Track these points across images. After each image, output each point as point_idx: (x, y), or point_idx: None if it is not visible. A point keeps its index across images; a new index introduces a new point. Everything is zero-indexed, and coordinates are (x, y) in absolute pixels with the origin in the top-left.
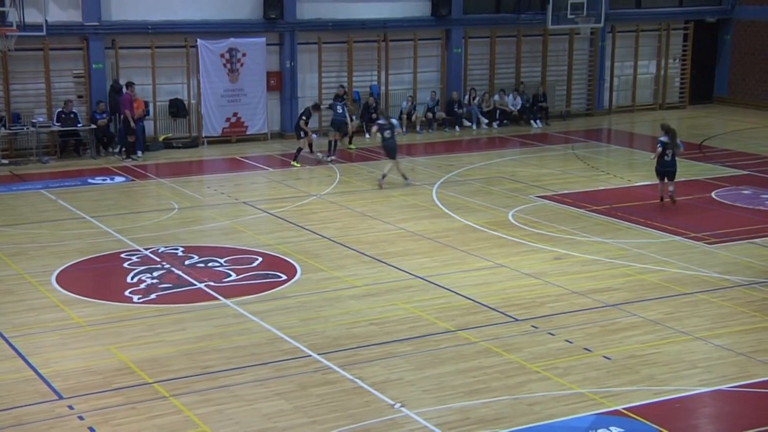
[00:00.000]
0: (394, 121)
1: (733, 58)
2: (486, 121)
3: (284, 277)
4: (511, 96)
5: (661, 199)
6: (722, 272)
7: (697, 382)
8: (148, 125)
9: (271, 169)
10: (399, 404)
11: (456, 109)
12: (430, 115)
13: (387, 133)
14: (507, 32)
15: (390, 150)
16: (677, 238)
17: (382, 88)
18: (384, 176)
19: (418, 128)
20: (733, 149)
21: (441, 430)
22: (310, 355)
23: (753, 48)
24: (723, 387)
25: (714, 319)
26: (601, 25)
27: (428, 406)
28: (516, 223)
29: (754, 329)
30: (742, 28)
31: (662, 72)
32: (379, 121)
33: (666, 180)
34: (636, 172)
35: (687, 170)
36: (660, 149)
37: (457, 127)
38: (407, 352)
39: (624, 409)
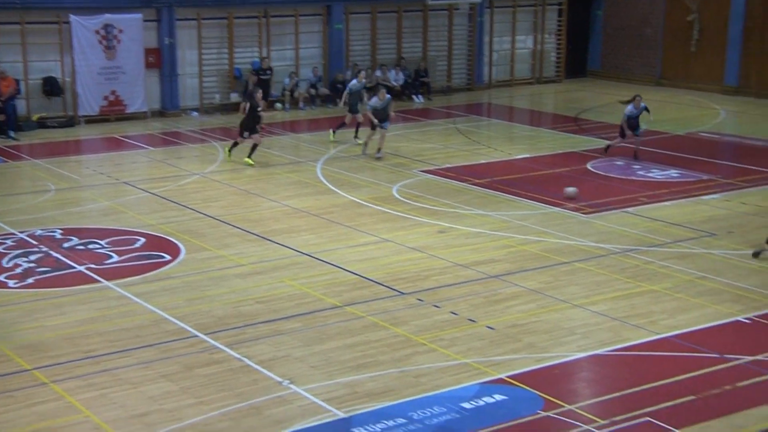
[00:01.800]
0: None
1: (604, 33)
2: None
3: (168, 257)
4: (393, 71)
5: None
6: (598, 241)
7: (576, 348)
8: (21, 104)
9: (152, 148)
10: (287, 381)
11: (338, 86)
12: (312, 91)
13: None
14: (387, 8)
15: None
16: (556, 209)
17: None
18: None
19: (301, 104)
20: (606, 122)
21: (329, 405)
22: (197, 336)
23: (623, 23)
24: (599, 351)
25: (590, 287)
26: (479, 0)
27: (316, 381)
28: (400, 197)
29: (627, 295)
30: (613, 4)
31: (539, 47)
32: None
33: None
34: (516, 146)
35: (563, 142)
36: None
37: (340, 103)
38: (295, 329)
39: (507, 377)
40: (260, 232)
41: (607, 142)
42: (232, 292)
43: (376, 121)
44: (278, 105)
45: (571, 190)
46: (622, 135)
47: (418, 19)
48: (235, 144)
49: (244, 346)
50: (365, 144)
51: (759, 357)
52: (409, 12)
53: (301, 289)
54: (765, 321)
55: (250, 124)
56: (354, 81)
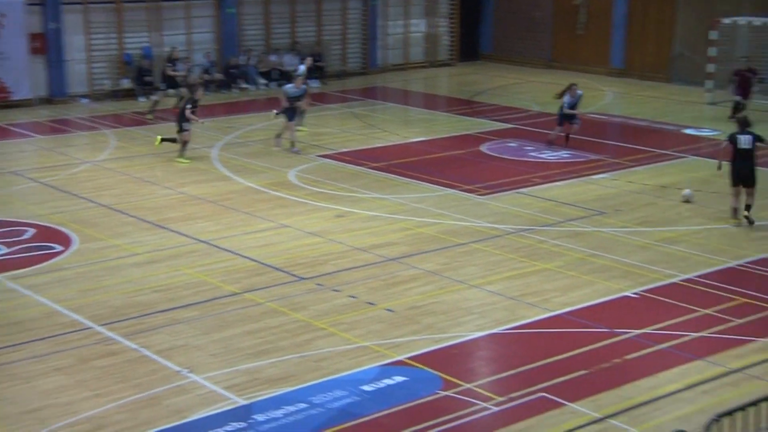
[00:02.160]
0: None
1: (496, 17)
2: (264, 81)
3: (60, 248)
4: (288, 56)
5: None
6: (493, 222)
7: (473, 328)
8: None
9: (40, 136)
10: (186, 370)
11: (232, 70)
12: (206, 76)
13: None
14: None
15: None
16: (451, 191)
17: (155, 50)
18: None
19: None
20: (499, 104)
21: (229, 393)
22: (91, 327)
23: (513, 7)
24: (496, 330)
25: (486, 267)
26: None
27: (216, 369)
28: (298, 183)
29: (522, 274)
30: None
31: (432, 30)
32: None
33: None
34: (411, 129)
35: (457, 125)
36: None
37: (234, 89)
38: (193, 318)
39: (407, 358)
40: (155, 221)
41: (550, 136)
42: (127, 282)
43: (286, 104)
44: (170, 91)
45: (687, 192)
46: (560, 124)
47: (312, 3)
48: (175, 141)
49: (141, 337)
50: (278, 136)
51: (646, 330)
52: None
53: (199, 277)
54: (651, 295)
55: (182, 120)
56: (302, 67)
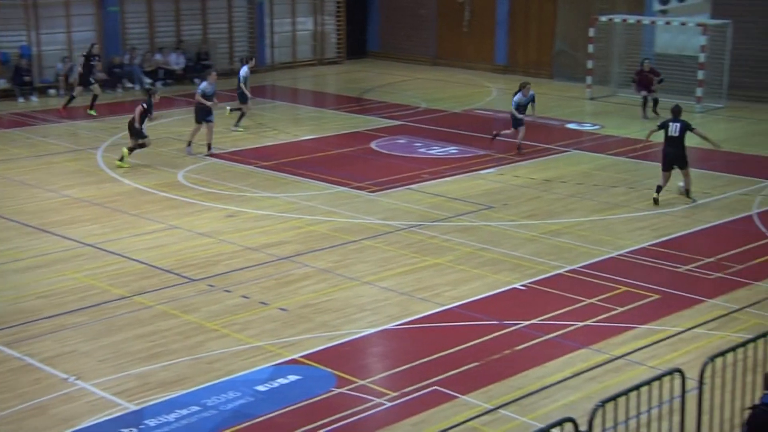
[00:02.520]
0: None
1: (382, 15)
2: (149, 80)
3: None
4: (173, 54)
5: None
6: (384, 218)
7: (366, 324)
8: None
9: None
10: (73, 377)
11: (116, 70)
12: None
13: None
14: None
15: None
16: (342, 188)
17: (34, 49)
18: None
19: (75, 91)
20: (388, 101)
21: (119, 399)
22: None
23: (399, 4)
24: (388, 326)
25: (379, 264)
26: None
27: (105, 375)
28: (187, 183)
29: (413, 270)
30: None
31: (319, 28)
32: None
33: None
34: (301, 127)
35: (347, 122)
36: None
37: (119, 88)
38: (80, 323)
39: (300, 357)
40: (38, 224)
41: (495, 132)
42: (10, 288)
43: (209, 103)
44: (51, 91)
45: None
46: (515, 126)
47: (197, 1)
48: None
49: (25, 345)
50: (189, 143)
51: (534, 321)
52: None
53: (86, 282)
54: (538, 287)
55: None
56: (245, 68)
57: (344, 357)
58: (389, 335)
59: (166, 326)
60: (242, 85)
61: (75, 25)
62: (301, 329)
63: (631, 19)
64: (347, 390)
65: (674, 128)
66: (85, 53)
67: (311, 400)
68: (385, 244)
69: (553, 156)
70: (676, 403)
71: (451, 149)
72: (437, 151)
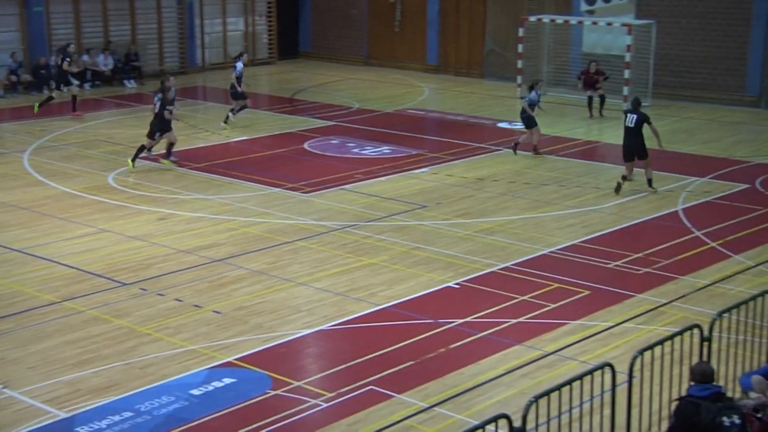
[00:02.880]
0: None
1: (313, 15)
2: (77, 82)
3: None
4: (101, 55)
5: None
6: (318, 219)
7: (301, 325)
8: None
9: None
10: (1, 385)
11: (42, 71)
12: (13, 77)
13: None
14: None
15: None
16: (276, 189)
17: None
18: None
19: (1, 92)
20: (320, 101)
21: (49, 407)
22: None
23: (330, 4)
24: (324, 327)
25: (313, 264)
26: None
27: (35, 383)
28: (117, 186)
29: (348, 270)
30: None
31: (250, 29)
32: None
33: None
34: (233, 128)
35: (280, 123)
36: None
37: (45, 90)
38: (8, 330)
39: (235, 359)
40: None
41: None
42: None
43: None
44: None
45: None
46: (529, 127)
47: (124, 1)
48: (141, 150)
49: None
50: (149, 149)
51: (468, 319)
52: None
53: (13, 287)
54: (472, 285)
55: (162, 123)
56: (239, 64)
57: (280, 359)
58: (325, 336)
59: (98, 331)
60: (235, 82)
61: None
62: (235, 332)
63: (559, 19)
64: (283, 392)
65: (630, 119)
66: (61, 53)
67: (247, 403)
68: (320, 244)
69: (485, 155)
70: (607, 396)
71: (384, 149)
72: (370, 151)
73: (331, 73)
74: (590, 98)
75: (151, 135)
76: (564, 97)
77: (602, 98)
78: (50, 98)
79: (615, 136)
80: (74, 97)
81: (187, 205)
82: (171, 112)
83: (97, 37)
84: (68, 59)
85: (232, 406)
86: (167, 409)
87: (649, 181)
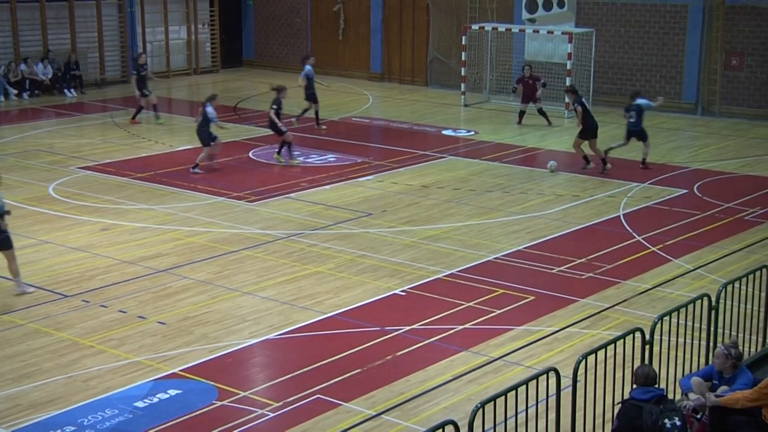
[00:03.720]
0: (208, 109)
1: (256, 23)
2: (15, 91)
3: None
4: (40, 64)
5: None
6: (264, 227)
7: (248, 335)
8: None
9: None
10: None
11: None
12: None
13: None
14: None
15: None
16: (221, 198)
17: None
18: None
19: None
20: (265, 110)
21: None
22: None
23: (273, 13)
24: (270, 336)
25: (259, 273)
26: None
27: None
28: (58, 196)
29: (294, 278)
30: None
31: (193, 37)
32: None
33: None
34: (177, 137)
35: (225, 132)
36: None
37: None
38: None
39: (180, 370)
40: None
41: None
42: None
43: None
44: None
45: (552, 164)
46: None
47: (64, 9)
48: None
49: None
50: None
51: (415, 326)
52: (52, 2)
53: None
54: (418, 292)
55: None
56: (308, 66)
57: (226, 369)
58: (271, 345)
59: (38, 345)
60: (313, 83)
61: None
62: (180, 342)
63: (501, 27)
64: (229, 402)
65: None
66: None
67: (192, 414)
68: (265, 253)
69: (430, 162)
70: (552, 400)
71: (330, 157)
72: (315, 159)
73: (275, 81)
74: (522, 112)
75: (277, 131)
76: (507, 105)
77: (541, 111)
78: (140, 108)
79: (557, 143)
80: (140, 108)
81: (130, 215)
82: (279, 115)
83: (36, 46)
84: (139, 71)
85: (177, 417)
86: (111, 423)
87: (604, 162)
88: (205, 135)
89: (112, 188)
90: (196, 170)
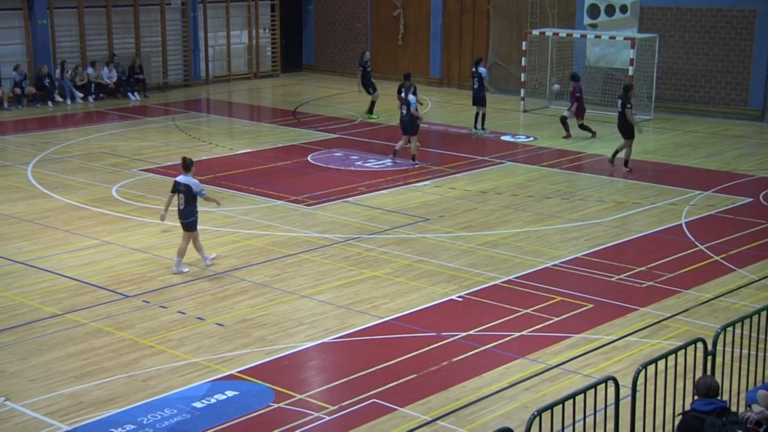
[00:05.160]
0: (411, 97)
1: (316, 28)
2: (81, 95)
3: None
4: (105, 68)
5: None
6: (321, 231)
7: (304, 338)
8: None
9: None
10: (2, 398)
11: (47, 84)
12: (18, 90)
13: (403, 109)
14: (95, 2)
15: (406, 125)
16: (279, 202)
17: None
18: (395, 152)
19: (5, 105)
20: (324, 114)
21: (51, 419)
22: None
23: (333, 18)
24: (326, 340)
25: (316, 277)
26: None
27: (36, 395)
28: (120, 198)
29: (351, 282)
30: (323, 0)
31: (254, 42)
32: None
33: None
34: (237, 141)
35: (283, 136)
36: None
37: (49, 103)
38: (9, 342)
39: (238, 372)
40: None
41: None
42: None
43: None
44: None
45: (556, 87)
46: None
47: (129, 14)
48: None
49: None
50: (395, 152)
51: (471, 332)
52: (118, 7)
53: (16, 300)
54: (475, 298)
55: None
56: (483, 67)
57: (282, 371)
58: (327, 349)
59: (100, 344)
60: (487, 84)
61: (2, 38)
62: (238, 344)
63: (563, 32)
64: (285, 405)
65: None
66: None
67: (249, 416)
68: (323, 257)
69: (489, 168)
70: (611, 410)
71: (387, 162)
72: (373, 164)
73: (335, 86)
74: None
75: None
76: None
77: (583, 126)
78: (372, 103)
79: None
80: (373, 103)
81: None
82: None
83: (102, 50)
84: (366, 67)
85: (234, 419)
86: (170, 422)
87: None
88: (413, 124)
89: None
90: (415, 162)
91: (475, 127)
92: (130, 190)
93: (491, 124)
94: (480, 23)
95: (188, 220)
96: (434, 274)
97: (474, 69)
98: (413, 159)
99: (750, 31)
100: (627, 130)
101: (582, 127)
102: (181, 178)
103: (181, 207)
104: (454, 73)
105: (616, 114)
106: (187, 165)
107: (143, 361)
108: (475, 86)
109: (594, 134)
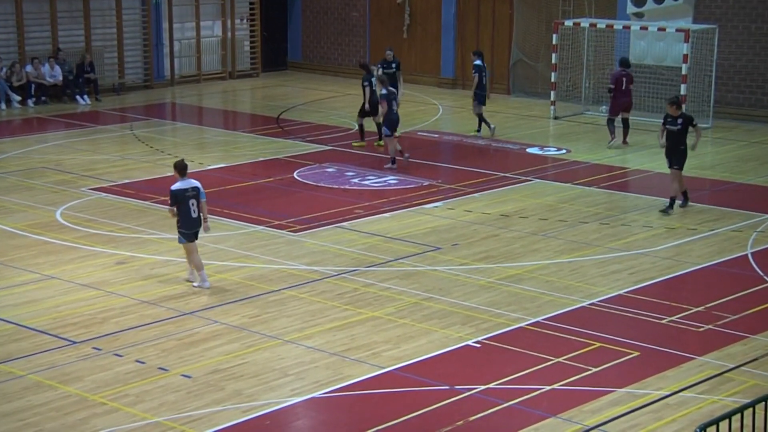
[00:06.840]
0: (390, 88)
1: (304, 18)
2: (18, 98)
3: None
4: (47, 65)
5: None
6: (310, 263)
7: (289, 392)
8: None
9: None
10: None
11: None
12: None
13: (394, 105)
14: None
15: (396, 123)
16: (259, 227)
17: None
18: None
19: None
20: (313, 122)
21: None
22: None
23: (325, 6)
24: (316, 394)
25: (304, 318)
26: None
27: None
28: (66, 223)
29: (346, 324)
30: None
31: (229, 34)
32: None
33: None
34: (208, 154)
35: (265, 147)
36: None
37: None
38: None
39: None
40: None
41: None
42: None
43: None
44: None
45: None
46: None
47: (78, 2)
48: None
49: None
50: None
51: (491, 385)
52: None
53: None
54: (496, 344)
55: None
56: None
57: None
58: (318, 404)
59: (40, 401)
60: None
61: None
62: (209, 400)
63: (601, 23)
64: None
65: (673, 123)
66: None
67: None
68: (312, 294)
69: (512, 186)
70: None
71: (390, 179)
72: (373, 181)
73: (326, 88)
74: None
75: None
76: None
77: (625, 123)
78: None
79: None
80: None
81: (152, 246)
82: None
83: (44, 44)
84: (386, 68)
85: None
86: None
87: (684, 192)
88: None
89: (131, 214)
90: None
91: (488, 126)
92: (79, 213)
93: (513, 133)
94: (501, 12)
95: (200, 227)
96: (446, 315)
97: (481, 62)
98: (402, 154)
99: None
100: (682, 155)
101: (610, 122)
102: (184, 184)
103: (194, 215)
104: (469, 73)
105: (673, 129)
106: (183, 167)
107: (93, 422)
108: (484, 82)
109: (613, 139)
